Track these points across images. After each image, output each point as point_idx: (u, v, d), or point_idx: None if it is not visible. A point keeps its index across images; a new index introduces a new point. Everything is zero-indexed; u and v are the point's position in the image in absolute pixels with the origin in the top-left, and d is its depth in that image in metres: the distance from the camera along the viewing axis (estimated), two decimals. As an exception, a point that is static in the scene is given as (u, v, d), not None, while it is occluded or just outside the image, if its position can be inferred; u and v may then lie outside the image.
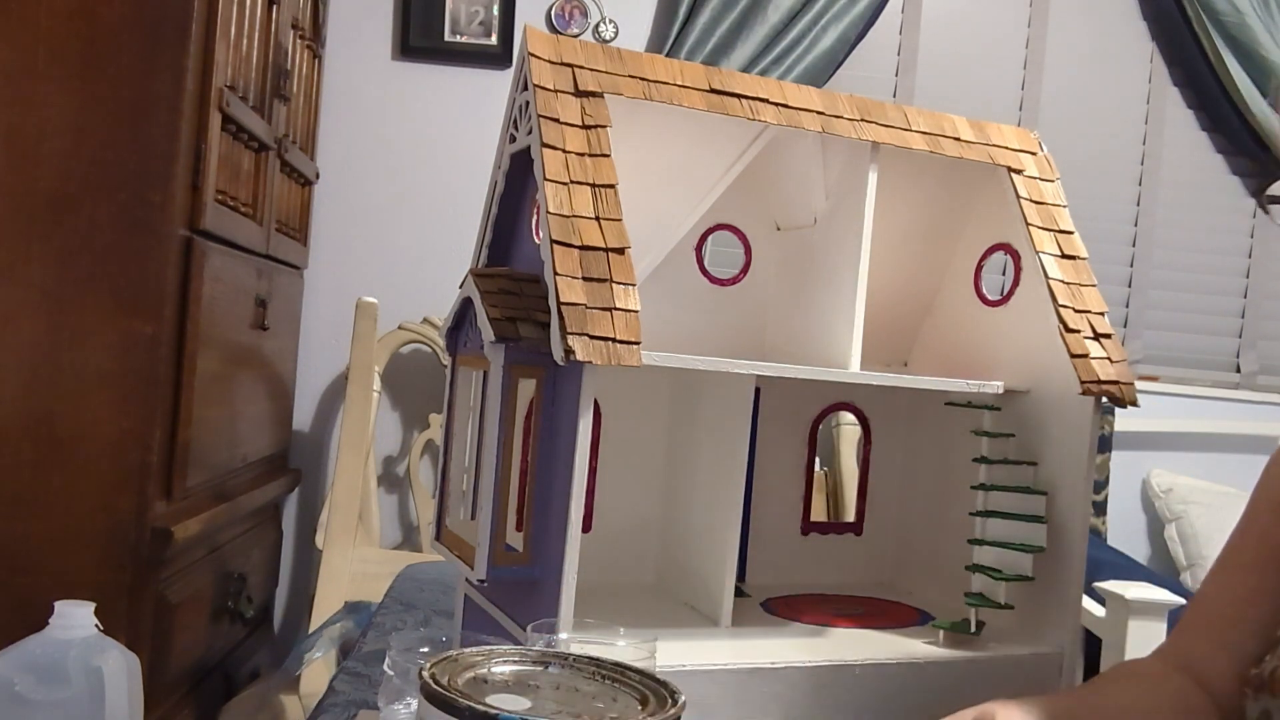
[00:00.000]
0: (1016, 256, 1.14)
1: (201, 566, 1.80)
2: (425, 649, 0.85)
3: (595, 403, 1.00)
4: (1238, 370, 2.88)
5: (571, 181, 0.90)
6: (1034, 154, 1.17)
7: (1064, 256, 1.10)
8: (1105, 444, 2.60)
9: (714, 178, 1.15)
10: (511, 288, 0.92)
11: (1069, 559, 1.04)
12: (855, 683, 0.96)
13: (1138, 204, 2.83)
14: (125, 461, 1.51)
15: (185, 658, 1.73)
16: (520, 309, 0.90)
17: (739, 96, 1.03)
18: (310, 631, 2.05)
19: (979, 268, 1.21)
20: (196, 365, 1.61)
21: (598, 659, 0.61)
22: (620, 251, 0.88)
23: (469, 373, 1.02)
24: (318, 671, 1.89)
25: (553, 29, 2.54)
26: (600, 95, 0.96)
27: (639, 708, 0.56)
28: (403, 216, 2.55)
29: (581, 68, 0.97)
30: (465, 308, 0.98)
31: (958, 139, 1.13)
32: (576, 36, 2.51)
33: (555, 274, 0.85)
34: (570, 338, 0.83)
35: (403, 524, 2.58)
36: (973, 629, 1.05)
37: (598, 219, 0.89)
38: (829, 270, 1.13)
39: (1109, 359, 1.05)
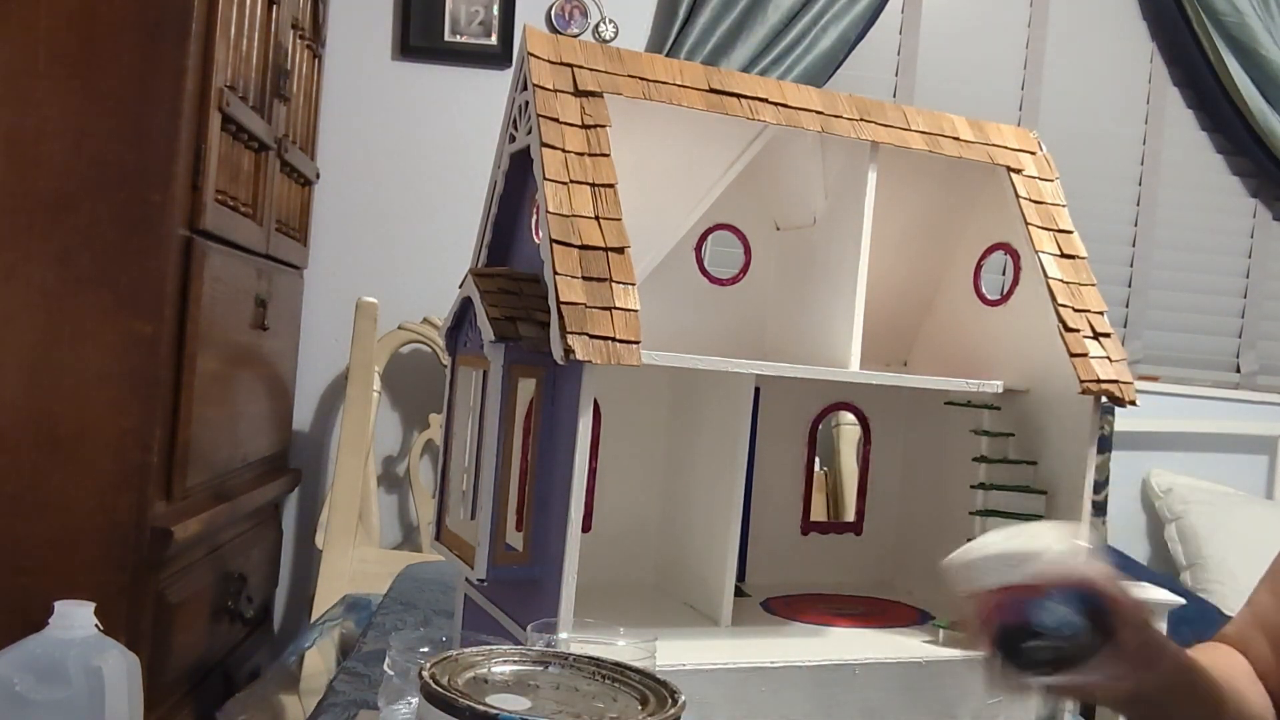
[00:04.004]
0: (1016, 256, 1.14)
1: (201, 566, 1.80)
2: (425, 649, 0.85)
3: (595, 403, 1.00)
4: (1238, 370, 2.88)
5: (571, 181, 0.90)
6: (1033, 154, 1.17)
7: (1063, 256, 1.10)
8: (1105, 444, 2.60)
9: (713, 178, 1.15)
10: (511, 287, 0.92)
11: (1069, 559, 1.04)
12: (855, 683, 0.96)
13: (1138, 204, 2.83)
14: (125, 461, 1.51)
15: (185, 658, 1.73)
16: (520, 309, 0.90)
17: (738, 96, 1.03)
18: (309, 627, 2.05)
19: (978, 267, 1.21)
20: (196, 365, 1.61)
21: (598, 659, 0.61)
22: (620, 251, 0.88)
23: (469, 373, 1.02)
24: (315, 666, 1.89)
25: (553, 29, 2.54)
26: (600, 95, 0.96)
27: (639, 708, 0.56)
28: (403, 216, 2.55)
29: (581, 67, 0.97)
30: (465, 307, 0.99)
31: (957, 139, 1.13)
32: (576, 36, 2.51)
33: (555, 273, 0.85)
34: (570, 337, 0.83)
35: (403, 524, 2.58)
36: (972, 629, 1.05)
37: (597, 218, 0.89)
38: (829, 270, 1.13)
39: (1108, 358, 1.05)
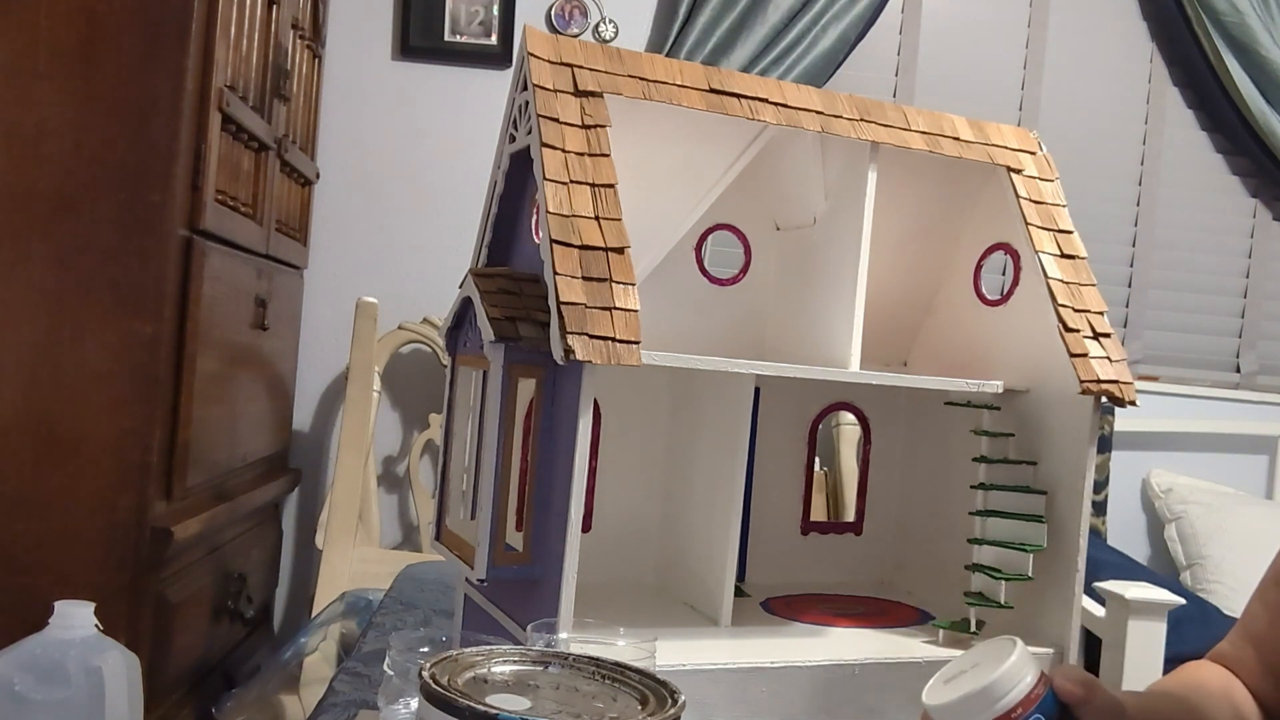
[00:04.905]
0: (1016, 256, 1.14)
1: (201, 566, 1.80)
2: (425, 649, 0.85)
3: (595, 403, 1.00)
4: (1238, 370, 2.88)
5: (571, 181, 0.90)
6: (1033, 154, 1.17)
7: (1063, 256, 1.10)
8: (1105, 444, 2.60)
9: (714, 178, 1.15)
10: (511, 287, 0.92)
11: (1068, 559, 1.04)
12: (855, 683, 0.96)
13: (1138, 204, 2.83)
14: (125, 461, 1.51)
15: (185, 658, 1.73)
16: (520, 309, 0.90)
17: (738, 96, 1.03)
18: (307, 626, 2.05)
19: (978, 267, 1.21)
20: (196, 365, 1.61)
21: (598, 659, 0.61)
22: (620, 251, 0.88)
23: (469, 373, 1.02)
24: (315, 666, 1.89)
25: (552, 29, 2.54)
26: (600, 95, 0.96)
27: (639, 708, 0.56)
28: (403, 216, 2.55)
29: (581, 67, 0.97)
30: (465, 307, 0.99)
31: (957, 139, 1.13)
32: (576, 36, 2.51)
33: (555, 273, 0.85)
34: (570, 337, 0.83)
35: (403, 524, 2.58)
36: (972, 629, 1.06)
37: (597, 219, 0.89)
38: (829, 270, 1.13)
39: (1108, 358, 1.05)
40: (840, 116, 1.06)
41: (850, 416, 1.31)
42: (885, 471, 1.30)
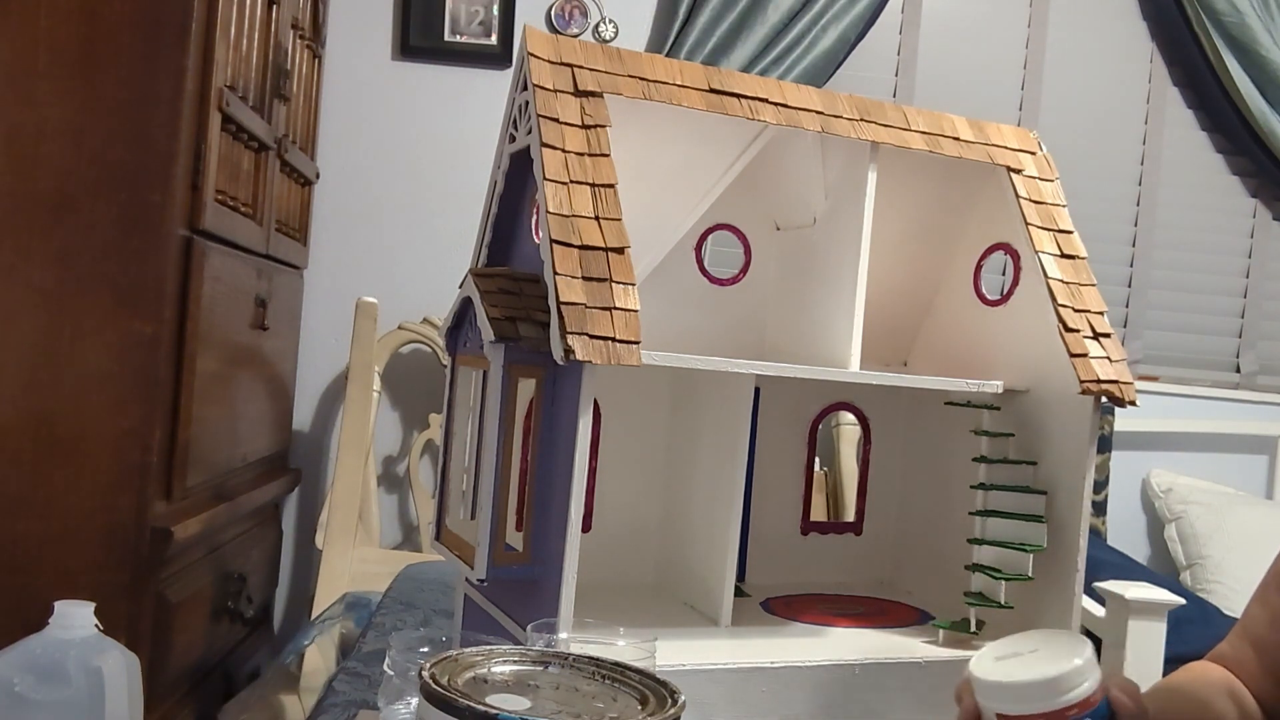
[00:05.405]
0: (1016, 256, 1.14)
1: (201, 566, 1.80)
2: (425, 649, 0.85)
3: (595, 403, 1.00)
4: (1238, 370, 2.88)
5: (571, 181, 0.90)
6: (1033, 154, 1.17)
7: (1063, 256, 1.10)
8: (1105, 444, 2.60)
9: (714, 178, 1.15)
10: (511, 287, 0.92)
11: (1068, 558, 1.04)
12: (855, 683, 0.96)
13: (1138, 204, 2.83)
14: (125, 461, 1.51)
15: (185, 658, 1.73)
16: (520, 309, 0.90)
17: (738, 96, 1.03)
18: (308, 626, 2.05)
19: (978, 267, 1.21)
20: (196, 365, 1.61)
21: (598, 659, 0.61)
22: (620, 251, 0.88)
23: (469, 372, 1.02)
24: (315, 666, 1.89)
25: (552, 29, 2.54)
26: (600, 95, 0.96)
27: (639, 708, 0.56)
28: (403, 216, 2.55)
29: (581, 67, 0.97)
30: (465, 307, 0.99)
31: (957, 139, 1.13)
32: (576, 36, 2.51)
33: (555, 273, 0.85)
34: (570, 337, 0.83)
35: (403, 524, 2.58)
36: (972, 629, 1.06)
37: (597, 219, 0.89)
38: (829, 270, 1.13)
39: (1108, 358, 1.05)
40: (840, 116, 1.07)
41: (850, 416, 1.31)
42: (885, 471, 1.30)
